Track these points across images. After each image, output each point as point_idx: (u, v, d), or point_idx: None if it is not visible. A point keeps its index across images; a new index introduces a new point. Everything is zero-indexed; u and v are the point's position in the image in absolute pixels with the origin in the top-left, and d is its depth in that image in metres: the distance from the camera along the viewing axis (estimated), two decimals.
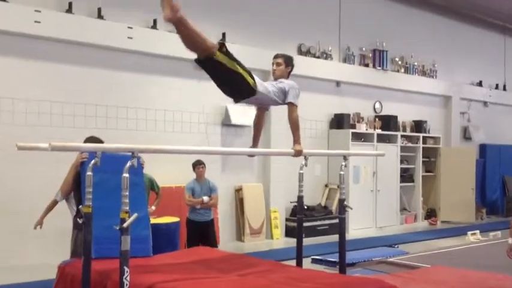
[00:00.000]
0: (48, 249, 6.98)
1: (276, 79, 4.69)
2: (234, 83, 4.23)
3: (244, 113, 9.13)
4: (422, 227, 12.35)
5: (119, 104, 8.29)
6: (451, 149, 13.69)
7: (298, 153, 4.49)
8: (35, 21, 7.23)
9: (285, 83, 4.60)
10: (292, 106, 4.55)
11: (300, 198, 5.26)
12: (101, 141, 5.01)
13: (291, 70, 4.77)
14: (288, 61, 4.73)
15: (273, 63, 4.75)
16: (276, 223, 10.13)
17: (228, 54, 4.13)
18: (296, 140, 4.55)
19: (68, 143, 3.55)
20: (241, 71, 4.18)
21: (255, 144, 4.79)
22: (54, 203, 5.79)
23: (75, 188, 4.80)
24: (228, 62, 4.11)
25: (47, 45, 7.55)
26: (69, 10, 7.66)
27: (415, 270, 6.45)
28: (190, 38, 4.10)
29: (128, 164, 3.68)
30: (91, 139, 5.07)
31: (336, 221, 8.44)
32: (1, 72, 7.25)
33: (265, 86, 4.45)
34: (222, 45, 4.14)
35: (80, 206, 3.99)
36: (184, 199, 7.20)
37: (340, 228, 5.16)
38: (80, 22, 7.73)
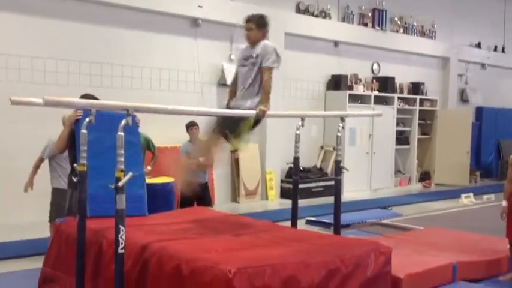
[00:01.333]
0: (44, 208, 6.96)
1: (251, 44, 4.54)
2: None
3: None
4: (416, 189, 12.43)
5: (114, 61, 8.16)
6: (448, 112, 13.65)
7: (262, 114, 4.40)
8: None
9: (259, 49, 4.44)
10: (266, 70, 4.43)
11: (296, 160, 5.22)
12: (96, 99, 4.92)
13: (267, 30, 4.57)
14: (260, 22, 4.52)
15: (245, 29, 4.58)
16: (271, 184, 10.16)
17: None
18: (263, 100, 4.42)
19: (62, 98, 3.47)
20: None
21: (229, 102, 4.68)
22: (40, 160, 5.80)
23: (69, 145, 4.74)
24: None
25: (42, 0, 7.36)
26: None
27: (408, 232, 6.49)
28: None
29: (123, 122, 3.61)
30: (86, 96, 4.99)
31: (331, 183, 8.45)
32: None
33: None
34: None
35: (75, 165, 3.95)
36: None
37: (335, 189, 5.14)
38: None
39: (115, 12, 8.10)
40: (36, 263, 4.92)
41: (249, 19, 4.53)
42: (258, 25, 4.51)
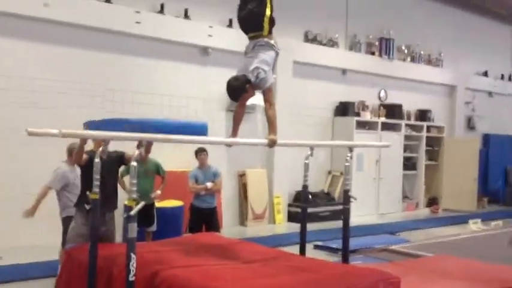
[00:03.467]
0: (55, 230, 7.03)
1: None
2: (256, 5, 4.41)
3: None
4: (423, 214, 12.42)
5: (126, 88, 8.32)
6: (455, 139, 13.71)
7: (272, 144, 4.48)
8: (44, 4, 7.24)
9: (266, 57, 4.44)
10: (266, 94, 4.43)
11: (305, 188, 5.32)
12: None
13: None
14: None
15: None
16: (279, 208, 10.21)
17: None
18: (271, 130, 4.45)
19: (79, 131, 3.61)
20: (268, 1, 4.42)
21: (234, 134, 4.67)
22: (48, 189, 5.79)
23: (84, 170, 4.84)
24: None
25: (56, 28, 7.57)
26: None
27: (417, 259, 6.48)
28: None
29: (136, 152, 3.73)
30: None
31: (339, 207, 8.51)
32: (10, 54, 7.28)
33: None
34: None
35: (88, 193, 4.06)
36: (188, 186, 7.25)
37: (343, 218, 5.21)
38: (89, 6, 7.74)
39: (128, 41, 8.29)
40: (48, 285, 4.98)
41: None
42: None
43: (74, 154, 4.99)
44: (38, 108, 7.43)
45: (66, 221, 5.71)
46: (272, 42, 4.50)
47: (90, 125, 4.53)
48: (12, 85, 7.27)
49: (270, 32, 4.52)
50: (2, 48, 7.24)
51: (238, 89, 4.32)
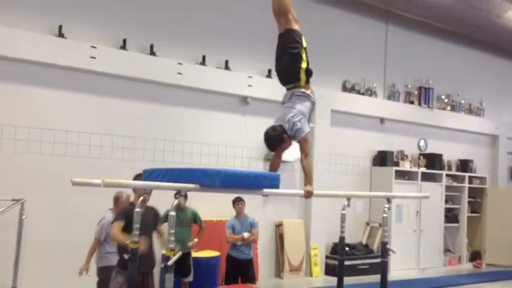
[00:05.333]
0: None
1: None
2: (292, 59, 4.55)
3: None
4: (466, 269, 11.99)
5: (166, 137, 8.50)
6: (498, 190, 13.32)
7: (308, 195, 4.47)
8: (91, 57, 7.55)
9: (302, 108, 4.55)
10: (302, 144, 4.49)
11: (342, 239, 5.25)
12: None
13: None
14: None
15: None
16: (316, 260, 10.05)
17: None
18: (307, 181, 4.46)
19: (120, 180, 3.69)
20: (303, 54, 4.58)
21: None
22: (98, 243, 5.89)
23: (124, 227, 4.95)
24: (300, 39, 4.59)
25: (101, 79, 7.86)
26: (123, 47, 7.98)
27: None
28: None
29: (175, 202, 3.79)
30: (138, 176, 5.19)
31: (377, 260, 8.33)
32: (56, 105, 7.56)
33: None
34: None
35: (127, 242, 4.11)
36: (225, 235, 7.24)
37: (382, 272, 5.12)
38: (133, 58, 8.03)
39: (170, 91, 8.51)
40: None
41: None
42: None
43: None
44: (82, 159, 7.64)
45: (102, 271, 5.75)
46: (308, 92, 4.59)
47: (149, 174, 4.23)
48: (57, 138, 7.51)
49: (307, 82, 4.61)
50: (49, 100, 7.50)
51: (276, 140, 4.39)
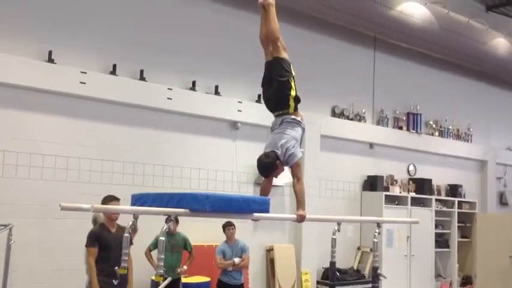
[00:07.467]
0: None
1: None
2: (281, 87, 4.57)
3: None
4: None
5: (156, 162, 8.47)
6: (488, 215, 13.33)
7: (301, 219, 4.48)
8: (81, 82, 7.56)
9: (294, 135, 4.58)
10: (297, 169, 4.52)
11: (333, 264, 5.23)
12: (117, 199, 5.06)
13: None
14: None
15: None
16: (307, 285, 9.97)
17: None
18: (299, 205, 4.47)
19: (110, 206, 3.67)
20: (292, 83, 4.60)
21: None
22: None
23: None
24: (289, 68, 4.62)
25: (90, 105, 7.84)
26: (113, 72, 8.00)
27: None
28: (270, 24, 4.63)
29: (164, 227, 3.77)
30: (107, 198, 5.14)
31: (368, 285, 8.27)
32: (46, 130, 7.53)
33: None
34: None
35: (116, 268, 4.06)
36: (215, 261, 7.20)
37: None
38: (123, 83, 8.04)
39: (160, 116, 8.52)
40: None
41: None
42: None
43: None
44: (71, 183, 7.58)
45: None
46: (298, 118, 4.62)
47: (138, 198, 4.20)
48: (46, 163, 7.46)
49: (296, 109, 4.64)
50: (38, 125, 7.48)
51: (269, 167, 4.42)
